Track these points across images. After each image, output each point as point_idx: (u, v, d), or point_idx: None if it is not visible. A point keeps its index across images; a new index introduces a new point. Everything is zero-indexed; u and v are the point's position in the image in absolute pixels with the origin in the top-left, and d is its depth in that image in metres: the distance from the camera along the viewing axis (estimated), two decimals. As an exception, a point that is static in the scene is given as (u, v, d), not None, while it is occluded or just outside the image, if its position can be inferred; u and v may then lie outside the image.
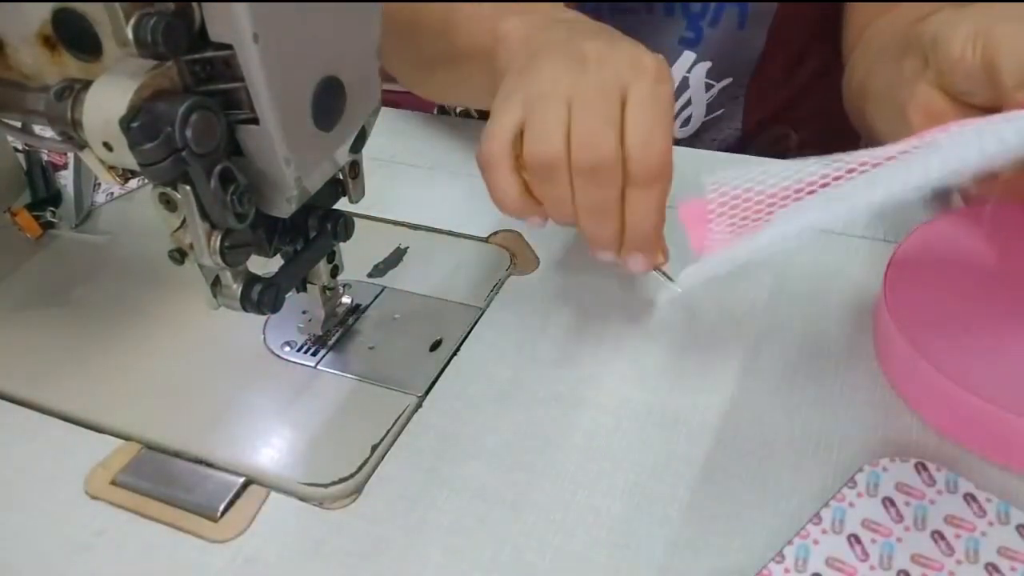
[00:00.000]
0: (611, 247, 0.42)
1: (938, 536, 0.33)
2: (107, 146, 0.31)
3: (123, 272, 0.54)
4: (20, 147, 0.56)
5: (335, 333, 0.47)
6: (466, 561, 0.36)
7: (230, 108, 0.32)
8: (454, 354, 0.45)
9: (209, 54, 0.31)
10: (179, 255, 0.36)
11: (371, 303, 0.49)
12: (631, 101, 0.39)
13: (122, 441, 0.42)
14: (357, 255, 0.48)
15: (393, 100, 0.55)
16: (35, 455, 0.42)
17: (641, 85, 0.40)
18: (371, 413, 0.42)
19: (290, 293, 0.40)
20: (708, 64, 0.67)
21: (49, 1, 0.33)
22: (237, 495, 0.39)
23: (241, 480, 0.39)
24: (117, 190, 0.60)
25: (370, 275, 0.51)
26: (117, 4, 0.29)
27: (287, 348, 0.46)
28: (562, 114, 0.39)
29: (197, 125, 0.31)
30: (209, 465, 0.40)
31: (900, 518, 0.34)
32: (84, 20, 0.33)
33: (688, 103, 0.69)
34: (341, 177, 0.41)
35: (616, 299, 0.48)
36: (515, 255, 0.53)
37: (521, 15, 0.48)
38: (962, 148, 0.35)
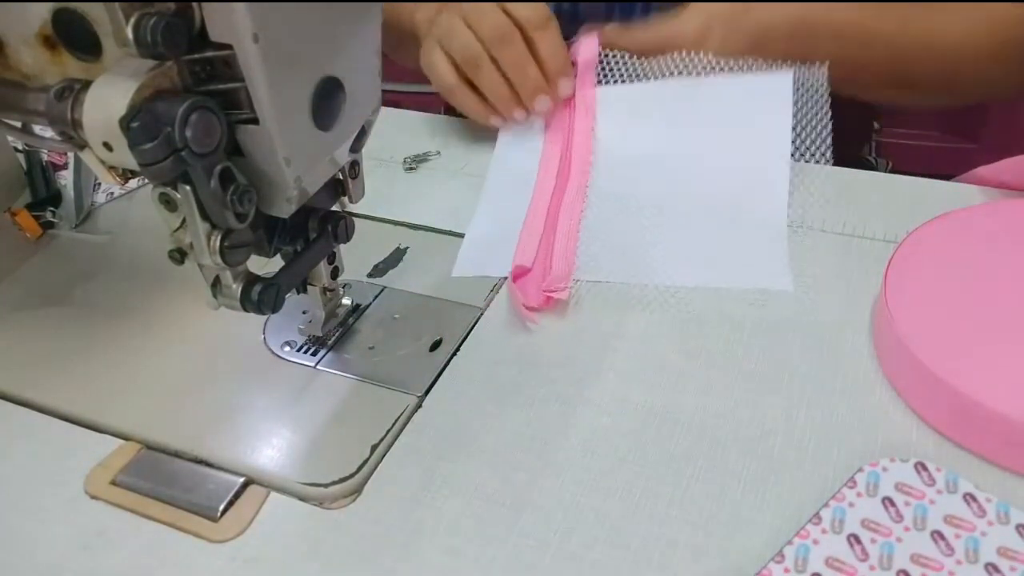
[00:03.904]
0: (533, 94, 0.57)
1: (938, 536, 0.33)
2: (107, 146, 0.31)
3: (123, 272, 0.54)
4: (20, 147, 0.56)
5: (335, 333, 0.47)
6: (466, 561, 0.36)
7: (230, 108, 0.33)
8: (454, 354, 0.45)
9: (209, 54, 0.31)
10: (179, 255, 0.36)
11: (371, 303, 0.49)
12: None
13: (122, 441, 0.42)
14: (357, 255, 0.48)
15: (393, 100, 0.55)
16: (35, 455, 0.42)
17: None
18: (371, 413, 0.42)
19: (290, 294, 0.40)
20: None
21: (49, 1, 0.33)
22: (237, 495, 0.39)
23: (241, 480, 0.39)
24: (117, 190, 0.60)
25: (370, 275, 0.51)
26: (117, 4, 0.29)
27: (287, 348, 0.46)
28: (463, 26, 0.56)
29: (197, 125, 0.31)
30: (209, 465, 0.40)
31: (900, 518, 0.34)
32: (84, 20, 0.33)
33: None
34: (341, 177, 0.41)
35: (615, 299, 0.48)
36: (515, 255, 0.52)
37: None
38: None
